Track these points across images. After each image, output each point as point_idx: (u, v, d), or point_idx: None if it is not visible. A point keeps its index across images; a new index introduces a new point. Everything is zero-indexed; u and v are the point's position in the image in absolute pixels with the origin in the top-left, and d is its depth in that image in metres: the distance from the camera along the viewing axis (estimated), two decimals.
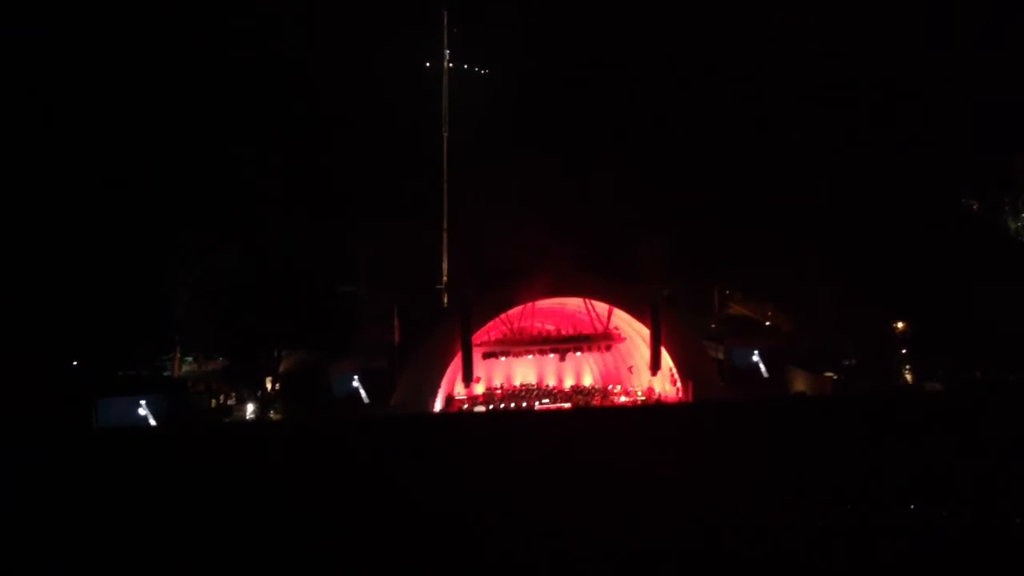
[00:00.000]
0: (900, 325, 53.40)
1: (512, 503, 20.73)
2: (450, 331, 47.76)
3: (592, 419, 41.57)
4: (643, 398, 50.44)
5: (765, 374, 49.84)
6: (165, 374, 49.66)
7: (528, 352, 50.46)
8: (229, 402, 48.22)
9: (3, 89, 54.02)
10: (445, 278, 55.22)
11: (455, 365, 48.07)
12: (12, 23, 55.17)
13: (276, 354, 50.22)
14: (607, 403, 50.81)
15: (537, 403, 49.87)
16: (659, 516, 21.23)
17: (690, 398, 47.93)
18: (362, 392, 46.36)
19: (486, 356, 49.32)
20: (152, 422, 42.38)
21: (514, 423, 40.37)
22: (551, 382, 52.91)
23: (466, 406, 49.11)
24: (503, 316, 49.14)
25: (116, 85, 56.66)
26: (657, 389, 50.64)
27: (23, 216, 50.76)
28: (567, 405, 49.62)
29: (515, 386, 52.23)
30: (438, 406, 47.60)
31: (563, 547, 19.62)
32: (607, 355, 52.46)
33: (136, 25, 57.73)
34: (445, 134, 56.79)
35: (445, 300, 54.10)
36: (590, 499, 21.78)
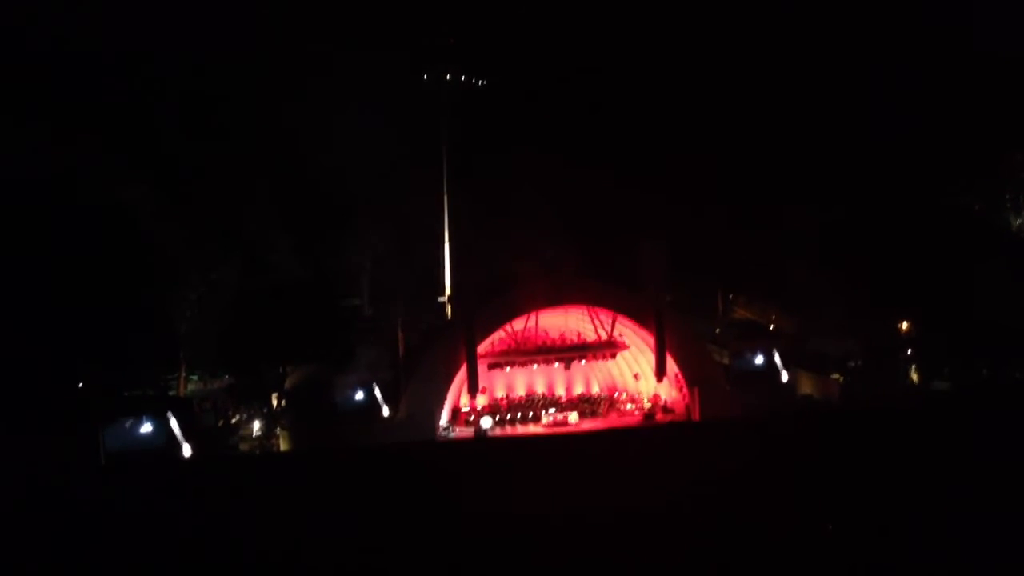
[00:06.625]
0: (905, 325, 53.44)
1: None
2: (454, 342, 47.80)
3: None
4: (649, 405, 50.39)
5: (770, 378, 49.80)
6: (171, 393, 49.56)
7: (533, 362, 50.57)
8: (236, 420, 48.08)
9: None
10: (448, 290, 55.17)
11: (460, 376, 48.08)
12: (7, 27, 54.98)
13: (281, 370, 50.32)
14: (613, 411, 50.88)
15: (544, 412, 49.79)
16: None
17: (696, 404, 47.91)
18: (367, 405, 46.34)
19: (491, 367, 49.35)
20: (159, 443, 42.28)
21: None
22: (557, 391, 52.85)
23: (472, 417, 49.11)
24: (507, 326, 49.21)
25: (114, 97, 56.49)
26: (663, 396, 50.61)
27: (21, 235, 50.60)
28: (574, 413, 49.52)
29: (521, 396, 52.17)
30: (444, 418, 47.65)
31: None
32: (612, 362, 52.38)
33: (144, 37, 57.62)
34: (444, 146, 56.74)
35: (449, 312, 54.01)
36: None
